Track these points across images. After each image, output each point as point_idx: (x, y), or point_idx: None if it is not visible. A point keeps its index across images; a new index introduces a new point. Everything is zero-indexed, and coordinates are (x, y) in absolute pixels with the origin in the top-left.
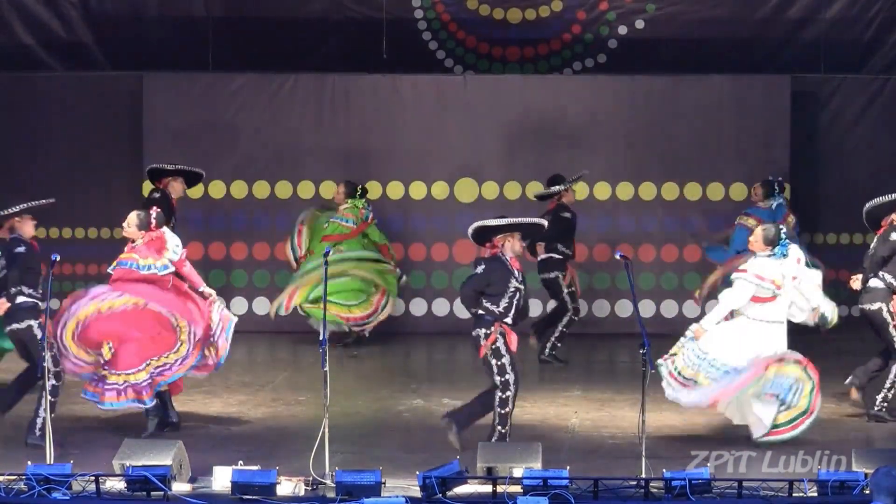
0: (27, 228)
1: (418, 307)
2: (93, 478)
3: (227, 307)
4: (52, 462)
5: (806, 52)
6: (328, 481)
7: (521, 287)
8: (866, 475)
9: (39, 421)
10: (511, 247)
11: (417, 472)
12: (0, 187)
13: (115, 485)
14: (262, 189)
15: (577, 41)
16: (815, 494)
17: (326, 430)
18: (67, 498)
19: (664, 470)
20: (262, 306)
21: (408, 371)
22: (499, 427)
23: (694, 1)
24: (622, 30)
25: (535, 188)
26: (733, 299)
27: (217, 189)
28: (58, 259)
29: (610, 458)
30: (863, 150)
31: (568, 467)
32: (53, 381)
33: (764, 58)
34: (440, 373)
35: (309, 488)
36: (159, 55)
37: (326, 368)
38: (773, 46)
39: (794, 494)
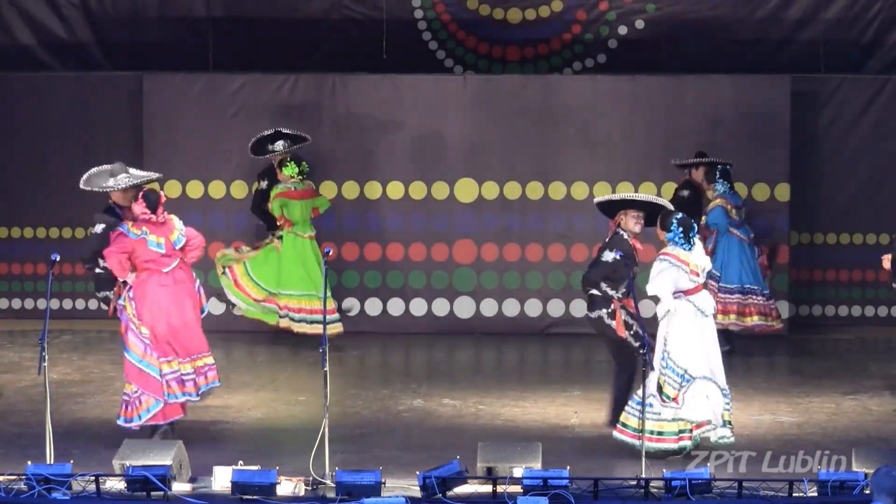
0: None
1: (418, 307)
2: (93, 478)
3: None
4: (52, 462)
5: (806, 52)
6: (328, 481)
7: (637, 270)
8: (866, 475)
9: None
10: (626, 224)
11: (417, 472)
12: (0, 187)
13: (115, 485)
14: None
15: (577, 41)
16: (815, 494)
17: (326, 430)
18: (67, 498)
19: (664, 470)
20: None
21: (408, 371)
22: None
23: (694, 1)
24: (622, 30)
25: (535, 188)
26: None
27: (217, 189)
28: (58, 259)
29: (610, 458)
30: (863, 150)
31: (568, 467)
32: None
33: (764, 58)
34: (440, 373)
35: (309, 488)
36: (159, 55)
37: (326, 368)
38: (773, 46)
39: (794, 494)
